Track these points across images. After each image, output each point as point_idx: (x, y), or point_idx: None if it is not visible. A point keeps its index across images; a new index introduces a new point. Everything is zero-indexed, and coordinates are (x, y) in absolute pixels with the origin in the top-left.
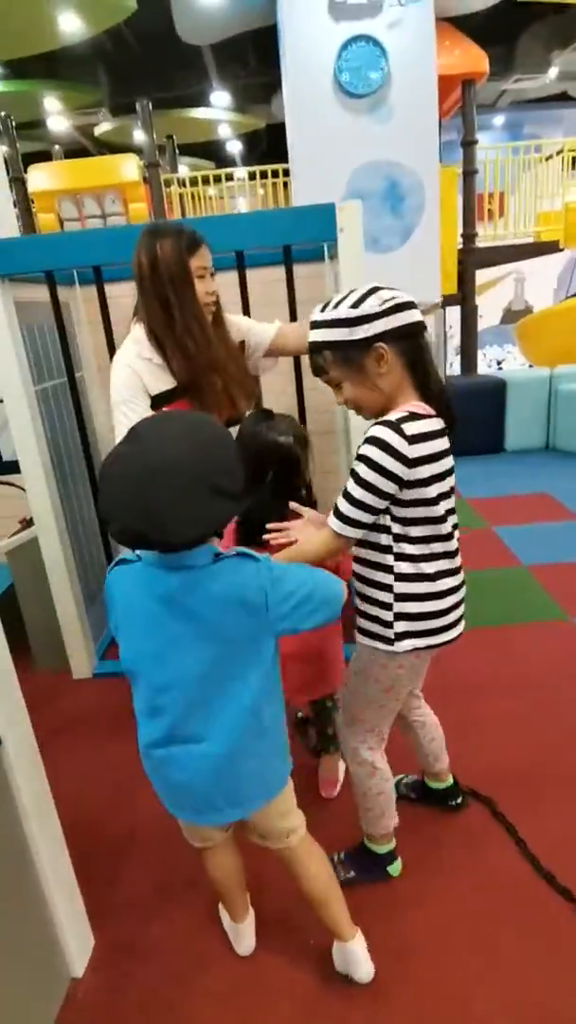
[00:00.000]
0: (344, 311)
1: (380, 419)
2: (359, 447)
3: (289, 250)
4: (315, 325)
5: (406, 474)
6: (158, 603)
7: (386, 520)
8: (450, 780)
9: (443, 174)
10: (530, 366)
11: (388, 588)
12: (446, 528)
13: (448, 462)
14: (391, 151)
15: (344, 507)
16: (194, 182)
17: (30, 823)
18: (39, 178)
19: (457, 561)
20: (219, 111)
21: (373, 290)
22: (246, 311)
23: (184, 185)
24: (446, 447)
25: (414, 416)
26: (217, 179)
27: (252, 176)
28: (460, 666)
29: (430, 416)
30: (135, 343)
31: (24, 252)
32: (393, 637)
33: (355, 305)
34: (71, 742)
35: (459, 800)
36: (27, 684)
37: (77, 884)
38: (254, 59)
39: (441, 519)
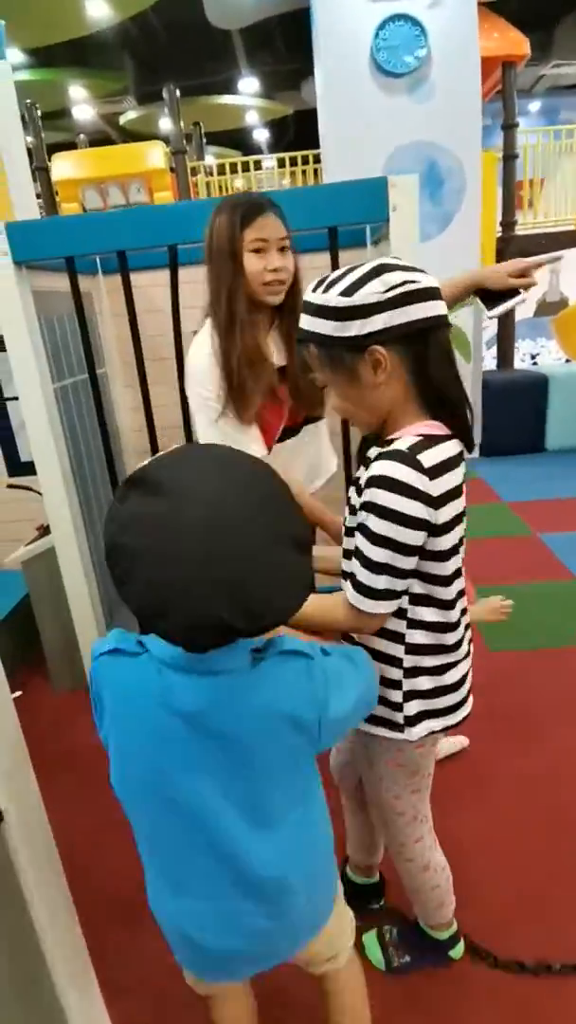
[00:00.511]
0: (334, 297)
1: (386, 449)
2: (363, 488)
3: (335, 233)
4: (305, 308)
5: (434, 516)
6: (175, 718)
7: None
8: (377, 876)
9: (483, 159)
10: (566, 360)
11: (397, 662)
12: (449, 594)
13: (463, 501)
14: (431, 132)
15: (365, 577)
16: (221, 170)
17: (37, 911)
18: (63, 167)
19: (455, 637)
20: (247, 98)
21: (379, 270)
22: None
23: (211, 174)
24: (463, 480)
25: (429, 441)
26: (245, 167)
27: (281, 163)
28: (514, 695)
29: (447, 437)
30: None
31: (43, 236)
32: (403, 722)
33: (349, 291)
34: (84, 777)
35: (380, 903)
36: (43, 704)
37: (94, 977)
38: (283, 44)
39: (446, 581)
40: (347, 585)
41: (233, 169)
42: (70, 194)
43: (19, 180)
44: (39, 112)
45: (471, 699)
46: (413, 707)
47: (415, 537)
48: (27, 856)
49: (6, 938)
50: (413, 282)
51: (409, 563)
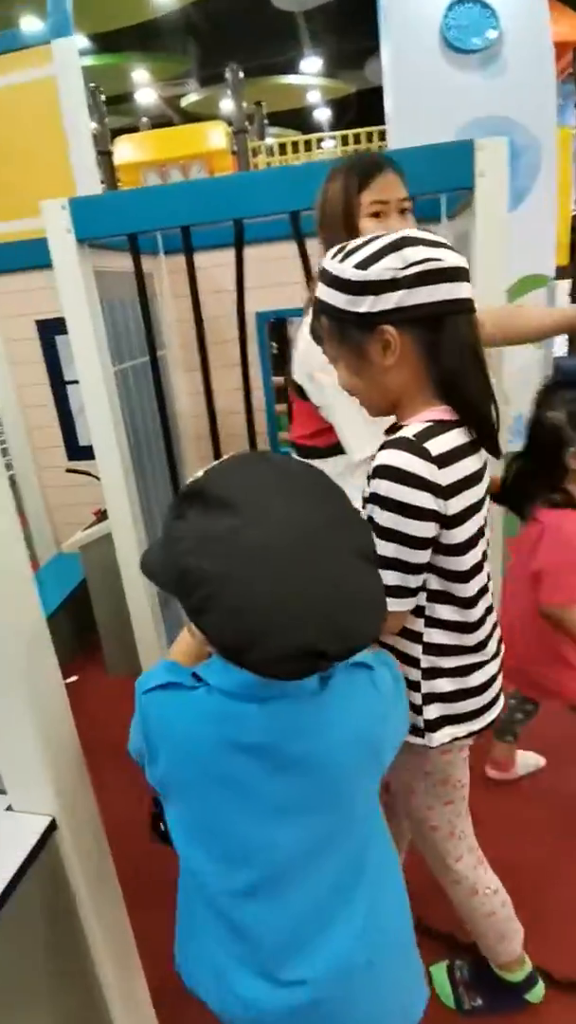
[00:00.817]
0: (348, 268)
1: (392, 437)
2: (369, 478)
3: (413, 203)
4: (320, 275)
5: (444, 507)
6: (244, 755)
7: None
8: None
9: (559, 135)
10: None
11: (415, 662)
12: (469, 591)
13: (481, 490)
14: (503, 106)
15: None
16: (282, 150)
17: (91, 924)
18: (125, 150)
19: (477, 637)
20: (309, 77)
21: (399, 243)
22: None
23: (272, 153)
24: (480, 468)
25: (439, 427)
26: (306, 146)
27: (344, 141)
28: None
29: (456, 425)
30: None
31: (107, 212)
32: (423, 726)
33: (364, 264)
34: (136, 766)
35: None
36: (97, 689)
37: (143, 980)
38: (347, 23)
39: (464, 577)
40: None
41: (295, 148)
42: (132, 178)
43: (84, 163)
44: (103, 96)
45: (500, 702)
46: (433, 711)
47: (424, 529)
48: (79, 864)
49: (58, 947)
50: (436, 260)
51: (420, 557)
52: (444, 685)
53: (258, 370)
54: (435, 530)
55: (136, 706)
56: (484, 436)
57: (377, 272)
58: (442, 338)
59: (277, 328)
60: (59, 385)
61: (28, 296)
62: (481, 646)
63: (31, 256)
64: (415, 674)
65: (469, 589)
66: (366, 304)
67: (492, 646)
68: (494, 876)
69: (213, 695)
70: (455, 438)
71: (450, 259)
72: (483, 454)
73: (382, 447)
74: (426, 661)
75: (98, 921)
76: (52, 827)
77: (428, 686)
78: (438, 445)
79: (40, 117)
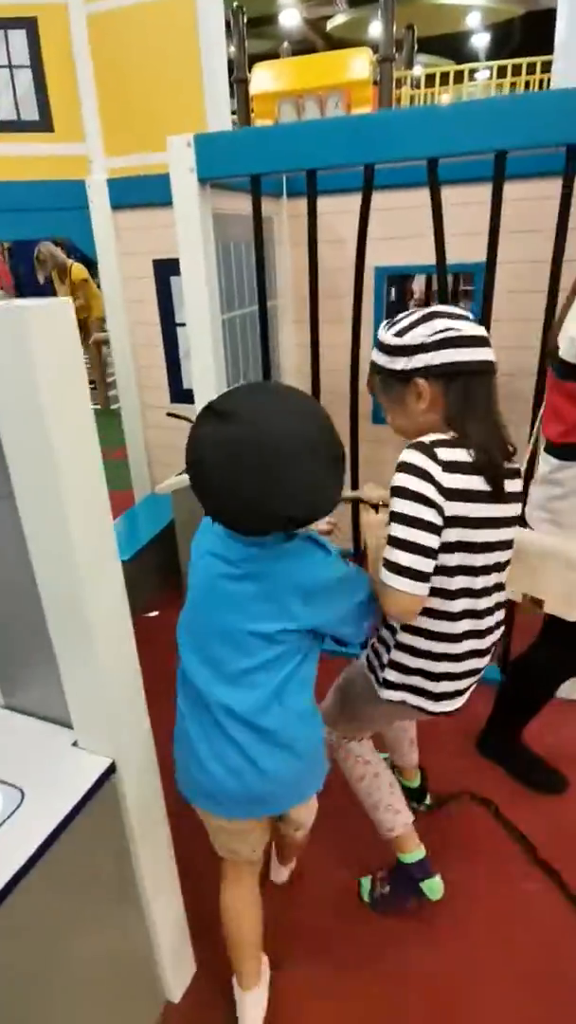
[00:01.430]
0: (389, 336)
1: (411, 442)
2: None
3: (575, 153)
4: (374, 341)
5: (443, 504)
6: (218, 560)
7: None
8: (418, 779)
9: None
10: None
11: (391, 628)
12: (453, 584)
13: (486, 511)
14: None
15: (393, 555)
16: (429, 81)
17: (138, 853)
18: (261, 78)
19: (462, 647)
20: None
21: (430, 316)
22: (493, 240)
23: (417, 86)
24: (486, 488)
25: (452, 442)
26: (458, 77)
27: (501, 72)
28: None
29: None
30: None
31: (232, 151)
32: (382, 682)
33: (401, 333)
34: None
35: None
36: (173, 624)
37: (184, 913)
38: None
39: (450, 572)
40: (381, 570)
41: (444, 80)
42: (266, 109)
43: (216, 93)
44: (245, 19)
45: (458, 701)
46: (391, 675)
47: (430, 514)
48: (134, 808)
49: (109, 878)
50: (456, 329)
51: (431, 540)
52: (407, 660)
53: (372, 328)
54: (439, 518)
55: None
56: (484, 472)
57: (411, 338)
58: (457, 390)
59: (399, 283)
60: (170, 326)
61: (148, 234)
62: (457, 640)
63: (155, 192)
64: (389, 637)
65: (453, 583)
66: (401, 363)
67: (470, 661)
68: (370, 748)
69: (220, 531)
70: (463, 455)
71: (467, 329)
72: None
73: (404, 449)
74: (401, 635)
75: (147, 859)
76: (111, 770)
77: (396, 654)
78: (447, 454)
79: (175, 40)
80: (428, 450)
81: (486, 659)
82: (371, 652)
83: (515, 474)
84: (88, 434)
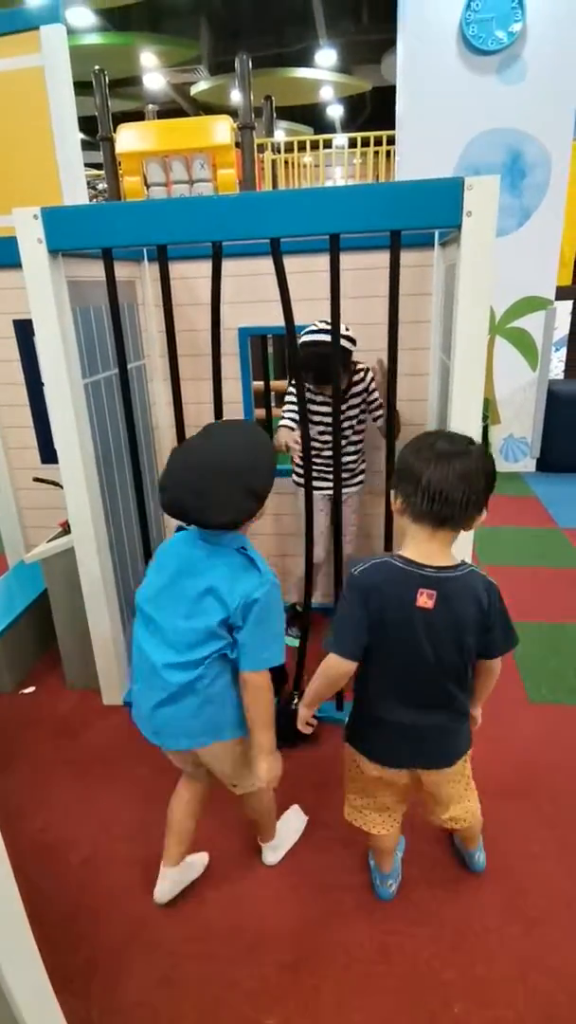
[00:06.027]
0: None
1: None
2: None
3: (398, 237)
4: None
5: None
6: (184, 546)
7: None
8: None
9: (574, 150)
10: None
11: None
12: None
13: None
14: (518, 118)
15: None
16: (289, 148)
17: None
18: (127, 138)
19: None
20: (324, 71)
21: None
22: (335, 304)
23: (279, 151)
24: None
25: None
26: (314, 146)
27: (353, 143)
28: (552, 756)
29: None
30: None
31: (81, 224)
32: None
33: None
34: (86, 780)
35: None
36: (55, 701)
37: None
38: (367, 13)
39: None
40: None
41: (302, 147)
42: (133, 167)
43: (68, 158)
44: (107, 79)
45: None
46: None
47: None
48: None
49: None
50: None
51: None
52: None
53: (238, 384)
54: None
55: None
56: None
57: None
58: None
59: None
60: (36, 385)
61: (6, 294)
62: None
63: (10, 255)
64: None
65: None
66: None
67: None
68: None
69: (192, 533)
70: None
71: None
72: None
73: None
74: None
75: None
76: None
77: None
78: None
79: (24, 109)
80: None
81: None
82: None
83: None
84: None
